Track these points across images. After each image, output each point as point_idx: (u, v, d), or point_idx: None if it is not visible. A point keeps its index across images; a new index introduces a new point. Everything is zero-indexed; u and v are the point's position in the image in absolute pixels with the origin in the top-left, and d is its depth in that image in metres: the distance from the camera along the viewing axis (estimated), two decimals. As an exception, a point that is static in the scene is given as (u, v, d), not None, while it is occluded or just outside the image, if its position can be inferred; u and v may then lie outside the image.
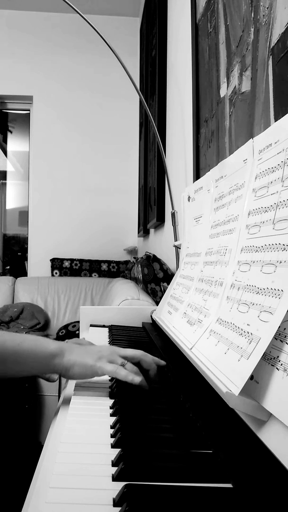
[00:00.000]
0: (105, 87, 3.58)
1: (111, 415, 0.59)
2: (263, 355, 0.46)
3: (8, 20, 3.57)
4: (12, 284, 3.27)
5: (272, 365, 0.45)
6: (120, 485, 0.39)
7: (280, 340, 0.45)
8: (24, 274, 3.84)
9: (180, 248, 1.19)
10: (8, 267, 4.34)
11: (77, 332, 2.66)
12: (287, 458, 0.38)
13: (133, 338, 1.13)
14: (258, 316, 0.50)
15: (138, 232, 3.33)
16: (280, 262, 0.49)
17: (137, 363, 0.71)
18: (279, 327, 0.45)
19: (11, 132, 4.17)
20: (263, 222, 0.57)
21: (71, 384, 0.72)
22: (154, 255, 1.94)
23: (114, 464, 0.44)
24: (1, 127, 4.10)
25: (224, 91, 1.16)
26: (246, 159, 0.69)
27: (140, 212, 3.28)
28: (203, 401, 0.59)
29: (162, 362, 0.74)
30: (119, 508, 0.36)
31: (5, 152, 4.24)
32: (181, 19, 1.87)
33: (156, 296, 1.85)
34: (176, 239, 1.57)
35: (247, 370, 0.47)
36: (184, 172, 1.75)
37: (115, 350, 0.71)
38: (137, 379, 0.65)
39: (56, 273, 3.45)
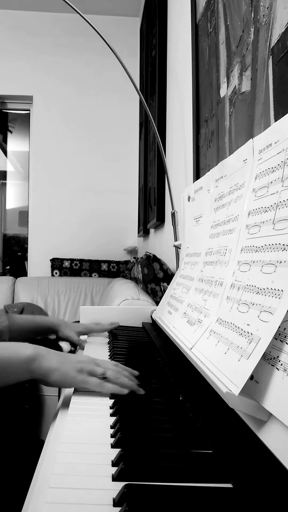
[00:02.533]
0: (105, 87, 3.58)
1: (111, 415, 0.59)
2: (263, 355, 0.46)
3: (8, 20, 3.57)
4: (12, 284, 3.27)
5: (272, 365, 0.45)
6: (120, 485, 0.39)
7: (280, 340, 0.45)
8: (24, 274, 3.84)
9: (180, 248, 1.19)
10: (8, 267, 4.34)
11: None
12: (287, 458, 0.38)
13: (133, 338, 1.13)
14: (258, 316, 0.50)
15: (138, 232, 3.33)
16: (280, 262, 0.49)
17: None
18: (279, 327, 0.45)
19: (11, 132, 4.17)
20: (263, 222, 0.57)
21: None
22: (154, 255, 1.94)
23: (114, 464, 0.44)
24: (1, 127, 4.10)
25: (224, 91, 1.16)
26: (246, 159, 0.69)
27: (140, 212, 3.28)
28: (203, 401, 0.59)
29: (135, 372, 0.73)
30: (119, 508, 0.36)
31: (5, 152, 4.24)
32: (181, 19, 1.87)
33: (156, 296, 1.85)
34: (176, 239, 1.57)
35: (247, 370, 0.47)
36: (184, 172, 1.75)
37: (93, 360, 0.70)
38: (124, 391, 0.64)
39: (56, 273, 3.45)
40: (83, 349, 1.01)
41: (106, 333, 1.19)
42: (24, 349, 0.65)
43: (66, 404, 0.63)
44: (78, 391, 0.68)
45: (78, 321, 1.34)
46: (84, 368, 0.66)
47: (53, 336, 1.15)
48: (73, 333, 1.10)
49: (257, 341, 0.48)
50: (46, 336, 1.15)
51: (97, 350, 1.00)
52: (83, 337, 1.13)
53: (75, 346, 1.09)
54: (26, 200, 3.82)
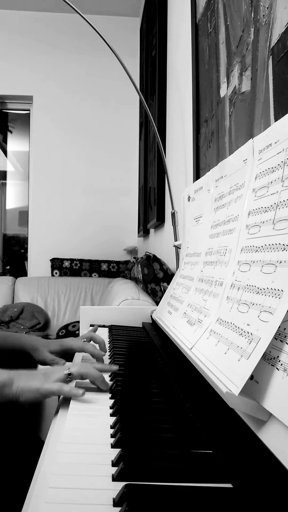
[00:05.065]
0: (105, 87, 3.58)
1: (111, 415, 0.59)
2: (263, 355, 0.46)
3: (8, 20, 3.57)
4: (12, 284, 3.27)
5: (272, 365, 0.45)
6: (120, 485, 0.39)
7: (280, 340, 0.45)
8: (24, 274, 3.84)
9: (180, 248, 1.19)
10: (8, 267, 4.34)
11: (77, 332, 2.66)
12: (287, 458, 0.38)
13: (133, 338, 1.13)
14: (258, 316, 0.50)
15: (138, 232, 3.33)
16: (280, 262, 0.49)
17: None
18: (279, 327, 0.45)
19: (11, 132, 4.17)
20: (263, 222, 0.57)
21: (71, 384, 0.72)
22: (154, 255, 1.94)
23: (114, 464, 0.44)
24: (1, 127, 4.10)
25: (224, 91, 1.16)
26: (246, 159, 0.69)
27: (140, 212, 3.28)
28: (203, 401, 0.59)
29: (114, 368, 0.75)
30: (119, 508, 0.36)
31: (5, 152, 4.24)
32: (181, 19, 1.87)
33: (156, 296, 1.85)
34: (176, 239, 1.57)
35: (247, 370, 0.47)
36: (184, 172, 1.75)
37: (62, 368, 0.71)
38: (79, 392, 0.65)
39: (56, 273, 3.45)
40: (63, 364, 0.98)
41: (106, 333, 1.19)
42: None
43: (66, 404, 0.63)
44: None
45: (78, 321, 1.33)
46: (49, 377, 0.68)
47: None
48: (47, 355, 1.02)
49: (257, 341, 0.48)
50: (18, 356, 1.10)
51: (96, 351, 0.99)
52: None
53: (70, 356, 1.04)
54: (26, 200, 3.82)
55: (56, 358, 1.01)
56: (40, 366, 1.19)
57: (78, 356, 0.97)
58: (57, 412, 0.62)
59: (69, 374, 0.69)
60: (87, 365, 0.71)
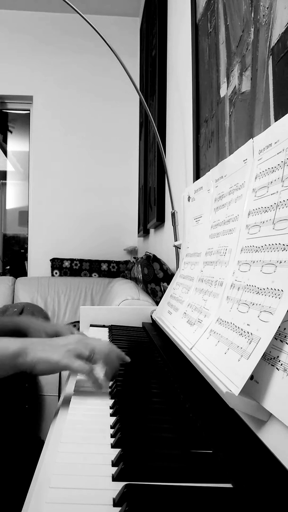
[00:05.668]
0: (105, 87, 3.58)
1: (111, 415, 0.59)
2: (263, 355, 0.46)
3: (8, 20, 3.57)
4: (12, 284, 3.27)
5: (272, 365, 0.45)
6: (120, 485, 0.39)
7: (280, 340, 0.45)
8: (24, 274, 3.84)
9: (180, 248, 1.19)
10: (8, 267, 4.34)
11: (77, 332, 2.66)
12: (287, 458, 0.38)
13: (133, 338, 1.13)
14: (258, 316, 0.50)
15: (138, 232, 3.33)
16: (280, 262, 0.49)
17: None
18: (279, 327, 0.45)
19: (11, 132, 4.17)
20: (263, 222, 0.57)
21: (71, 384, 0.72)
22: (154, 255, 1.94)
23: (114, 464, 0.44)
24: (1, 127, 4.10)
25: (224, 91, 1.16)
26: (246, 159, 0.69)
27: (140, 212, 3.28)
28: (203, 401, 0.59)
29: (127, 359, 0.74)
30: (119, 508, 0.36)
31: (5, 152, 4.24)
32: (181, 19, 1.87)
33: (156, 296, 1.85)
34: (176, 239, 1.57)
35: (247, 370, 0.47)
36: (184, 172, 1.75)
37: (83, 340, 0.69)
38: (100, 386, 0.64)
39: (56, 273, 3.45)
40: None
41: (106, 333, 1.19)
42: (10, 345, 0.66)
43: (66, 404, 0.63)
44: (78, 391, 0.68)
45: (78, 321, 1.33)
46: (69, 350, 0.66)
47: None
48: (38, 336, 1.04)
49: (257, 341, 0.48)
50: (14, 336, 1.08)
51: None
52: None
53: None
54: (26, 200, 3.82)
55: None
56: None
57: None
58: (57, 412, 0.62)
59: (91, 359, 0.67)
60: (111, 347, 0.70)
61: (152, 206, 2.47)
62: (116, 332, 1.17)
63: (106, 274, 3.44)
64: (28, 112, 3.78)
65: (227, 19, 1.13)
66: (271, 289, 0.49)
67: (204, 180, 0.95)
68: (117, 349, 0.72)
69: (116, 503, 0.37)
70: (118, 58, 1.71)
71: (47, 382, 1.95)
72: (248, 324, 0.52)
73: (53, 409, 1.96)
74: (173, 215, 1.59)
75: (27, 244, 3.70)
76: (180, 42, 1.90)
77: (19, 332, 1.04)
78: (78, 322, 1.32)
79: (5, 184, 4.36)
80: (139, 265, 2.10)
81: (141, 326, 1.30)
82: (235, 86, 1.06)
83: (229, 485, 0.40)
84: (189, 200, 1.08)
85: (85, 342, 0.68)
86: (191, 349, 0.68)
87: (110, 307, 1.50)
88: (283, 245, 0.50)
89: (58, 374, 1.95)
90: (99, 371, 0.70)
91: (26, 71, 3.57)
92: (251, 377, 0.48)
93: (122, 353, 0.73)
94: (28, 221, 3.66)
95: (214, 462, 0.44)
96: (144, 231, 2.90)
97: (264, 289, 0.51)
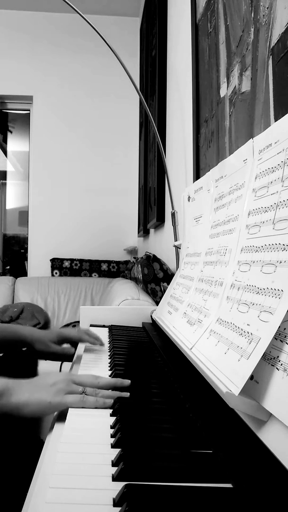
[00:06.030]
0: (105, 87, 3.58)
1: (111, 415, 0.59)
2: (263, 355, 0.46)
3: (8, 20, 3.57)
4: (12, 284, 3.27)
5: (272, 365, 0.45)
6: (120, 485, 0.39)
7: (280, 340, 0.45)
8: (24, 274, 3.84)
9: (180, 248, 1.19)
10: (8, 267, 4.34)
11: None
12: (287, 458, 0.38)
13: (133, 338, 1.13)
14: (258, 316, 0.50)
15: (138, 232, 3.33)
16: (280, 262, 0.49)
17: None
18: (279, 327, 0.45)
19: (11, 132, 4.17)
20: (263, 222, 0.57)
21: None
22: (154, 255, 1.94)
23: (114, 464, 0.44)
24: (1, 127, 4.10)
25: (224, 91, 1.16)
26: (246, 159, 0.69)
27: (140, 212, 3.28)
28: (203, 401, 0.59)
29: (126, 383, 0.68)
30: (119, 508, 0.36)
31: (5, 152, 4.24)
32: (181, 19, 1.87)
33: (156, 296, 1.85)
34: (176, 239, 1.57)
35: (247, 370, 0.47)
36: (184, 172, 1.75)
37: (69, 378, 0.65)
38: (108, 401, 0.61)
39: (56, 273, 3.45)
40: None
41: (106, 333, 1.19)
42: None
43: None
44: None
45: (78, 322, 1.33)
46: (60, 390, 0.62)
47: (24, 348, 1.07)
48: (53, 346, 1.01)
49: (257, 341, 0.48)
50: (16, 347, 1.05)
51: (97, 350, 1.00)
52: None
53: (75, 345, 1.05)
54: (26, 200, 3.82)
55: (65, 348, 1.00)
56: (40, 366, 1.18)
57: (80, 347, 0.98)
58: (57, 412, 0.62)
59: (84, 392, 0.62)
60: (99, 380, 0.65)
61: (152, 206, 2.47)
62: (116, 332, 1.17)
63: (106, 274, 3.44)
64: (28, 112, 3.78)
65: (227, 19, 1.13)
66: (271, 289, 0.49)
67: (204, 180, 0.95)
68: (107, 378, 0.68)
69: (116, 503, 0.37)
70: (118, 58, 1.71)
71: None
72: (248, 324, 0.52)
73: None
74: (173, 215, 1.59)
75: (27, 244, 3.70)
76: (180, 42, 1.90)
77: (20, 343, 1.02)
78: (78, 322, 1.32)
79: (5, 184, 4.36)
80: (139, 265, 2.10)
81: (141, 326, 1.30)
82: (235, 86, 1.06)
83: (229, 485, 0.40)
84: (189, 200, 1.08)
85: (71, 379, 0.65)
86: (191, 349, 0.68)
87: (110, 307, 1.50)
88: (283, 245, 0.50)
89: (59, 370, 1.94)
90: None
91: (26, 71, 3.57)
92: (251, 377, 0.48)
93: (113, 380, 0.68)
94: (28, 221, 3.66)
95: (214, 462, 0.44)
96: (144, 231, 2.90)
97: (264, 289, 0.51)
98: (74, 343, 1.04)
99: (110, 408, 0.61)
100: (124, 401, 0.63)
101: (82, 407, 0.60)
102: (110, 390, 0.64)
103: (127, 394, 0.65)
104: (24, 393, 0.61)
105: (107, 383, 0.66)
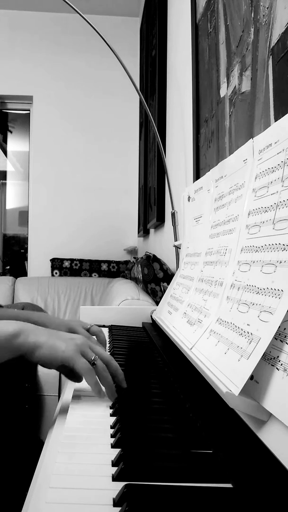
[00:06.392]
0: (105, 87, 3.58)
1: (111, 415, 0.59)
2: (263, 355, 0.46)
3: (9, 20, 3.57)
4: (12, 284, 3.27)
5: (272, 365, 0.45)
6: (120, 485, 0.39)
7: (280, 340, 0.45)
8: (24, 274, 3.84)
9: (180, 248, 1.19)
10: (8, 267, 4.34)
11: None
12: (287, 458, 0.38)
13: (133, 338, 1.13)
14: (258, 316, 0.50)
15: (138, 232, 3.33)
16: (280, 262, 0.49)
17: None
18: (279, 327, 0.45)
19: (11, 132, 4.17)
20: (263, 222, 0.57)
21: (71, 384, 0.71)
22: (154, 255, 1.94)
23: (114, 464, 0.44)
24: (1, 127, 4.10)
25: (224, 91, 1.16)
26: (246, 159, 0.69)
27: (140, 212, 3.28)
28: (203, 401, 0.59)
29: (123, 385, 0.67)
30: (119, 508, 0.36)
31: (5, 152, 4.24)
32: (181, 19, 1.87)
33: (156, 296, 1.85)
34: (176, 239, 1.57)
35: (247, 370, 0.47)
36: (184, 172, 1.75)
37: (87, 342, 0.64)
38: (102, 394, 0.61)
39: (56, 273, 3.45)
40: None
41: (106, 333, 1.19)
42: (7, 326, 0.61)
43: (66, 404, 0.63)
44: (78, 391, 0.68)
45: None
46: (77, 345, 0.62)
47: None
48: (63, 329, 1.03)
49: (257, 341, 0.48)
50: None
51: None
52: None
53: None
54: (26, 200, 3.82)
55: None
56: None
57: None
58: (57, 412, 0.62)
59: (94, 363, 0.62)
60: (111, 361, 0.66)
61: (152, 206, 2.47)
62: (116, 332, 1.17)
63: (106, 274, 3.44)
64: (28, 112, 3.78)
65: (227, 19, 1.13)
66: (271, 289, 0.49)
67: (204, 180, 0.95)
68: (117, 364, 0.68)
69: (116, 503, 0.37)
70: (118, 58, 1.71)
71: (47, 382, 1.95)
72: (248, 324, 0.52)
73: (53, 409, 1.96)
74: (173, 215, 1.59)
75: (27, 244, 3.70)
76: (180, 42, 1.90)
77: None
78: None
79: (5, 184, 4.36)
80: (139, 265, 2.10)
81: (141, 326, 1.30)
82: (235, 86, 1.06)
83: (229, 485, 0.40)
84: (189, 200, 1.08)
85: (90, 344, 0.65)
86: (191, 349, 0.68)
87: (110, 307, 1.50)
88: (283, 245, 0.50)
89: (58, 373, 1.94)
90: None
91: (26, 71, 3.57)
92: (251, 377, 0.48)
93: (120, 370, 0.68)
94: (28, 221, 3.67)
95: (214, 462, 0.44)
96: (144, 231, 2.90)
97: (264, 289, 0.51)
98: None
99: (111, 408, 0.61)
100: (124, 401, 0.63)
101: (84, 378, 0.60)
102: (110, 376, 0.64)
103: (123, 385, 0.66)
104: (42, 336, 0.61)
105: (116, 369, 0.66)
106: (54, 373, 1.90)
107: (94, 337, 0.97)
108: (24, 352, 0.60)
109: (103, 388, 0.63)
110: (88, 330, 0.96)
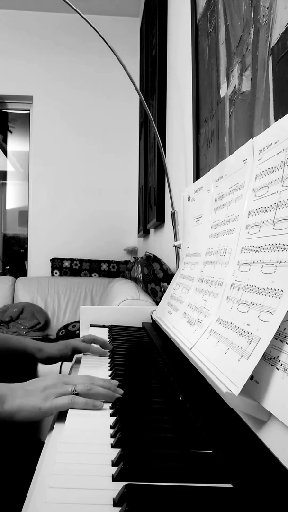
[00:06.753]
0: (105, 87, 3.58)
1: (111, 415, 0.59)
2: (263, 355, 0.46)
3: (9, 20, 3.57)
4: (12, 284, 3.27)
5: (272, 365, 0.45)
6: (120, 485, 0.39)
7: (280, 340, 0.45)
8: (24, 274, 3.84)
9: (180, 248, 1.19)
10: (8, 267, 4.34)
11: (77, 332, 2.66)
12: (287, 458, 0.38)
13: (133, 338, 1.13)
14: (258, 316, 0.50)
15: (138, 232, 3.33)
16: (280, 262, 0.49)
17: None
18: (279, 327, 0.45)
19: (11, 132, 4.17)
20: (263, 222, 0.57)
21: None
22: (154, 255, 1.94)
23: (114, 464, 0.44)
24: (1, 127, 4.10)
25: (224, 91, 1.16)
26: (246, 159, 0.69)
27: (140, 212, 3.28)
28: (203, 401, 0.59)
29: (119, 392, 0.66)
30: (119, 508, 0.36)
31: (5, 152, 4.24)
32: (181, 19, 1.87)
33: (156, 296, 1.85)
34: (176, 239, 1.57)
35: (247, 370, 0.47)
36: (184, 172, 1.75)
37: (60, 380, 0.64)
38: (98, 404, 0.60)
39: (56, 273, 3.45)
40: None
41: (106, 333, 1.19)
42: None
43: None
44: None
45: (78, 322, 1.33)
46: (50, 393, 0.61)
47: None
48: (53, 350, 1.01)
49: (257, 341, 0.48)
50: (20, 360, 1.06)
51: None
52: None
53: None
54: (26, 200, 3.82)
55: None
56: (41, 370, 1.16)
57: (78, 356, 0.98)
58: (56, 412, 0.62)
59: (76, 393, 0.62)
60: (93, 381, 0.65)
61: (152, 206, 2.47)
62: (116, 332, 1.17)
63: (106, 274, 3.44)
64: (28, 112, 3.78)
65: (227, 19, 1.13)
66: (271, 289, 0.49)
67: (204, 180, 0.95)
68: (100, 379, 0.66)
69: (116, 503, 0.37)
70: (118, 58, 1.71)
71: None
72: (248, 324, 0.52)
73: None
74: (173, 215, 1.59)
75: (27, 244, 3.70)
76: (180, 42, 1.90)
77: (25, 354, 1.03)
78: (78, 322, 1.32)
79: (5, 184, 4.36)
80: (139, 265, 2.10)
81: (141, 326, 1.30)
82: (235, 86, 1.06)
83: (229, 485, 0.40)
84: (189, 200, 1.08)
85: (64, 381, 0.64)
86: (191, 349, 0.68)
87: (110, 307, 1.50)
88: (283, 245, 0.50)
89: (58, 371, 1.95)
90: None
91: (26, 71, 3.57)
92: (251, 377, 0.48)
93: (108, 381, 0.67)
94: (28, 221, 3.67)
95: (214, 462, 0.44)
96: (144, 231, 2.90)
97: (264, 289, 0.51)
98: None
99: (111, 408, 0.61)
100: (124, 401, 0.63)
101: (72, 408, 0.60)
102: (102, 388, 0.64)
103: (120, 391, 0.65)
104: (16, 399, 0.60)
105: (98, 390, 0.64)
106: (54, 373, 1.90)
107: (93, 344, 0.98)
108: (1, 419, 0.60)
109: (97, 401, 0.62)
110: (83, 341, 0.97)
